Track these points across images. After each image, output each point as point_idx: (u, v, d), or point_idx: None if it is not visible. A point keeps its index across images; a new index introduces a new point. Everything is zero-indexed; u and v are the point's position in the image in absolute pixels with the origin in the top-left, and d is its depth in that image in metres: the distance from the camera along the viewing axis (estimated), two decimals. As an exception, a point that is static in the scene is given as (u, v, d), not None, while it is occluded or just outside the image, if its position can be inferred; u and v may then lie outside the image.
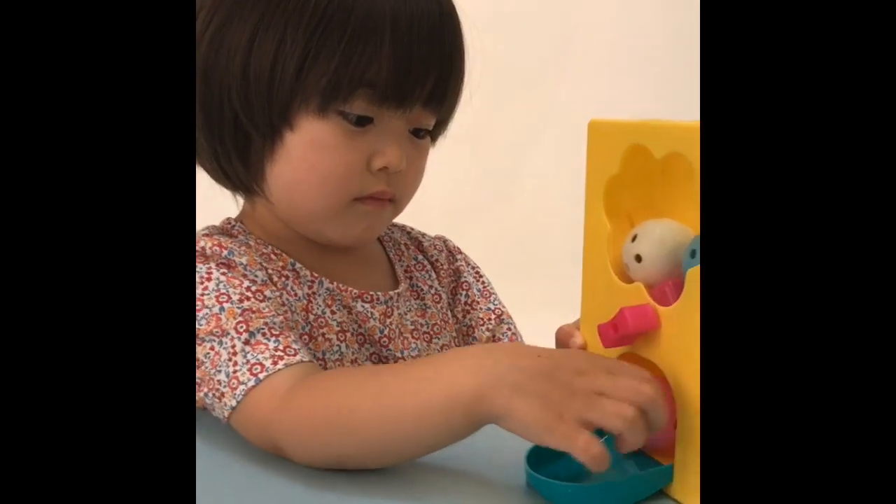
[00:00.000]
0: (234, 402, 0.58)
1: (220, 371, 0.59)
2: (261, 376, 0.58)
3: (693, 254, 0.54)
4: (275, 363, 0.58)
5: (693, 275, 0.52)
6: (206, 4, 0.66)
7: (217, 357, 0.60)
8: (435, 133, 0.73)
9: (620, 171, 0.60)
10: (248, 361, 0.59)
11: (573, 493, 0.51)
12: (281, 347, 0.60)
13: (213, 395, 0.60)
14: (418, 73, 0.65)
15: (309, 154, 0.66)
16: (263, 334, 0.60)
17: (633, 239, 0.58)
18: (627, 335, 0.55)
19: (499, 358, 0.52)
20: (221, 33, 0.65)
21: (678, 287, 0.54)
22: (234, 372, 0.59)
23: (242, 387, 0.58)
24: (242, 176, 0.69)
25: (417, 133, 0.70)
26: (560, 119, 1.93)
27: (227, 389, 0.59)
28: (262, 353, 0.59)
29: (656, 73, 1.88)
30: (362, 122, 0.66)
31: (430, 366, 0.55)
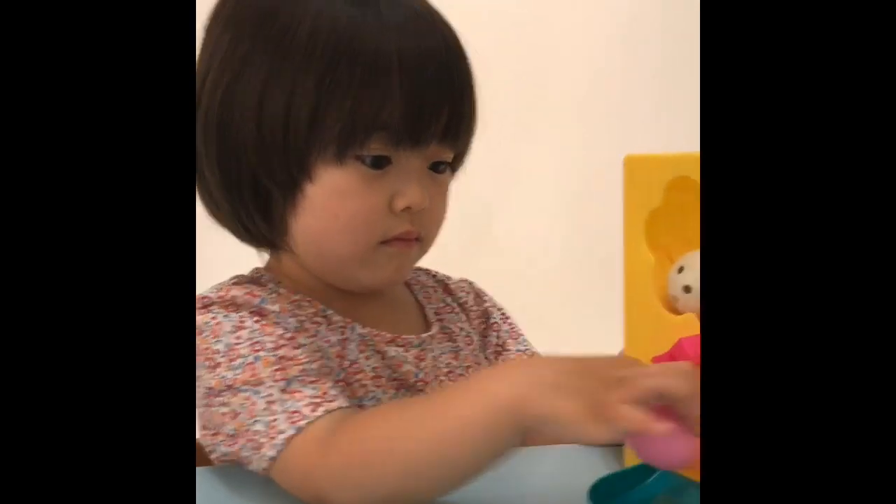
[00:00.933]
0: (273, 453, 0.57)
1: (257, 421, 0.58)
2: (301, 424, 0.57)
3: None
4: (314, 410, 0.58)
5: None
6: (215, 61, 0.66)
7: (254, 407, 0.59)
8: (454, 165, 0.73)
9: (662, 203, 0.61)
10: (286, 410, 0.58)
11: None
12: (319, 394, 0.59)
13: (251, 446, 0.59)
14: (431, 110, 0.65)
15: (331, 202, 0.66)
16: (301, 381, 0.60)
17: (680, 270, 0.59)
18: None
19: (535, 364, 0.54)
20: (232, 90, 0.65)
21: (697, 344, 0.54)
22: (273, 421, 0.58)
23: (282, 436, 0.57)
24: (266, 232, 0.68)
25: (437, 167, 0.70)
26: (537, 160, 1.95)
27: (265, 440, 0.58)
28: (301, 400, 0.58)
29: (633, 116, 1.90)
30: (380, 163, 0.66)
31: (466, 385, 0.56)
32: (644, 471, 0.60)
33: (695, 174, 0.57)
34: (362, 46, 0.63)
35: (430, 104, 0.65)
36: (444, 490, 0.56)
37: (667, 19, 1.90)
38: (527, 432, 0.52)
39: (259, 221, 0.67)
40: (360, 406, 0.67)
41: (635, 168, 0.63)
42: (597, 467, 0.64)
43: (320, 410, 0.58)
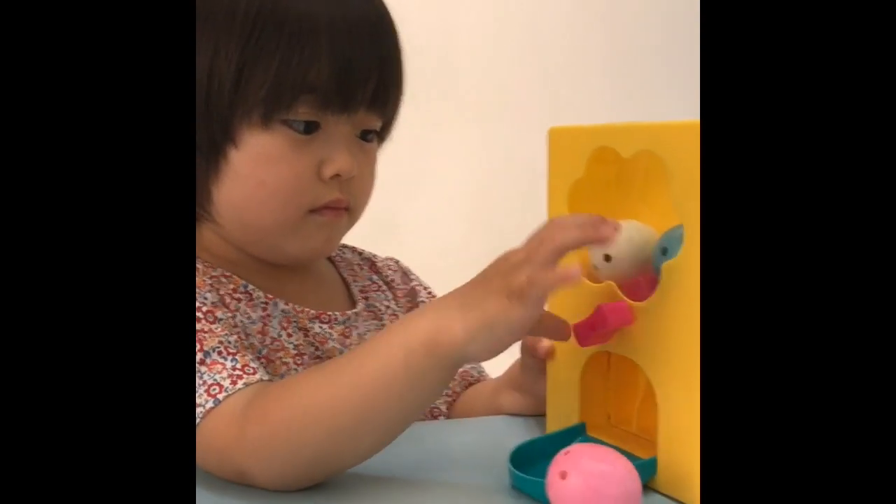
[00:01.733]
0: None
1: None
2: (220, 397, 0.55)
3: (664, 251, 0.55)
4: (234, 383, 0.55)
5: (668, 269, 0.53)
6: None
7: None
8: (381, 135, 0.71)
9: (585, 174, 0.61)
10: (204, 382, 0.55)
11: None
12: (239, 366, 0.57)
13: None
14: (360, 74, 0.64)
15: (256, 169, 0.63)
16: (219, 353, 0.57)
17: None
18: (606, 332, 0.56)
19: (438, 300, 0.54)
20: None
21: (653, 283, 0.55)
22: None
23: (200, 409, 0.54)
24: None
25: (365, 136, 0.68)
26: (441, 154, 1.94)
27: None
28: (220, 372, 0.56)
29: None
30: (309, 128, 0.64)
31: (378, 335, 0.55)
32: (567, 436, 0.61)
33: (619, 144, 0.58)
34: (289, 9, 0.62)
35: (358, 68, 0.63)
36: (371, 447, 0.54)
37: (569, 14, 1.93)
38: (454, 364, 0.52)
39: None
40: None
41: (559, 139, 0.64)
42: (521, 435, 0.65)
43: (240, 383, 0.55)
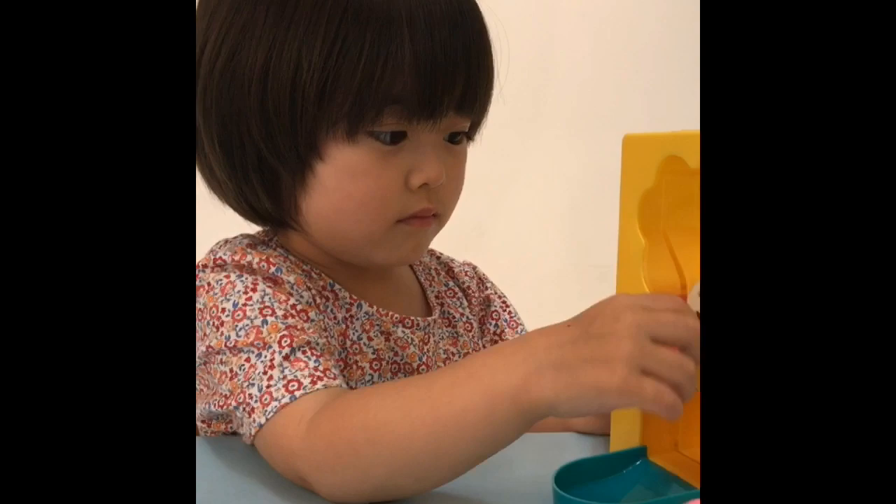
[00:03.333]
0: (263, 420, 0.55)
1: (252, 384, 0.56)
2: (297, 394, 0.55)
3: None
4: (314, 383, 0.55)
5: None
6: (213, 31, 0.63)
7: (252, 370, 0.57)
8: (471, 133, 0.69)
9: (655, 184, 0.59)
10: (284, 377, 0.56)
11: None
12: (321, 368, 0.57)
13: (243, 409, 0.56)
14: (445, 79, 0.62)
15: (343, 182, 0.63)
16: (304, 352, 0.57)
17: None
18: None
19: (532, 344, 0.49)
20: (233, 63, 0.62)
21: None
22: (269, 387, 0.56)
23: (275, 403, 0.55)
24: (274, 212, 0.66)
25: (453, 138, 0.67)
26: (531, 165, 1.90)
27: (257, 405, 0.55)
28: (302, 370, 0.56)
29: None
30: (396, 138, 0.63)
31: (462, 369, 0.51)
32: (622, 459, 0.59)
33: (685, 153, 0.55)
34: (371, 11, 0.60)
35: (443, 73, 0.61)
36: (433, 483, 0.53)
37: (669, 22, 1.86)
38: (534, 419, 0.49)
39: (266, 202, 0.65)
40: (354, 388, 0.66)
41: (632, 147, 0.62)
42: (583, 454, 0.63)
43: (320, 385, 0.55)
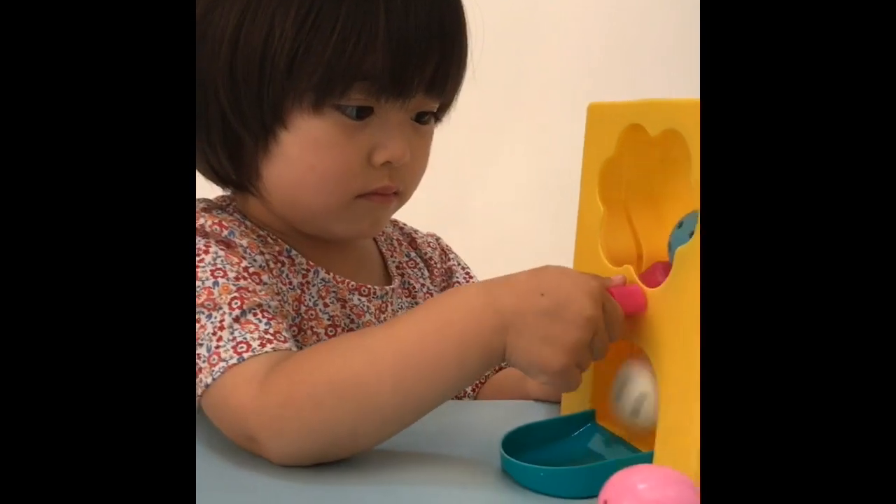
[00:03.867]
0: (209, 380, 0.54)
1: (201, 345, 0.55)
2: (245, 355, 0.54)
3: (691, 234, 0.52)
4: (262, 345, 0.55)
5: (681, 254, 0.51)
6: None
7: (202, 331, 0.56)
8: (439, 114, 0.69)
9: (616, 153, 0.59)
10: (234, 339, 0.55)
11: (545, 476, 0.50)
12: (272, 331, 0.56)
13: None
14: (418, 59, 0.61)
15: (306, 153, 0.62)
16: (255, 314, 0.57)
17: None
18: None
19: (499, 297, 0.53)
20: (205, 22, 0.61)
21: (668, 269, 0.53)
22: (217, 348, 0.55)
23: (222, 364, 0.54)
24: (234, 174, 0.65)
25: (420, 118, 0.66)
26: (511, 145, 1.92)
27: (205, 365, 0.54)
28: (252, 332, 0.55)
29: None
30: (362, 113, 0.62)
31: (428, 319, 0.54)
32: (567, 423, 0.59)
33: (647, 121, 0.56)
34: None
35: (416, 53, 0.60)
36: (394, 430, 0.54)
37: (663, 18, 1.88)
38: (496, 364, 0.53)
39: (227, 165, 0.65)
40: None
41: (596, 116, 0.62)
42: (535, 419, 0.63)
43: (269, 347, 0.55)
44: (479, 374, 0.54)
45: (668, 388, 0.51)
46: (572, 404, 0.62)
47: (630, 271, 0.56)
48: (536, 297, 0.52)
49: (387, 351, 0.52)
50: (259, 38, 0.59)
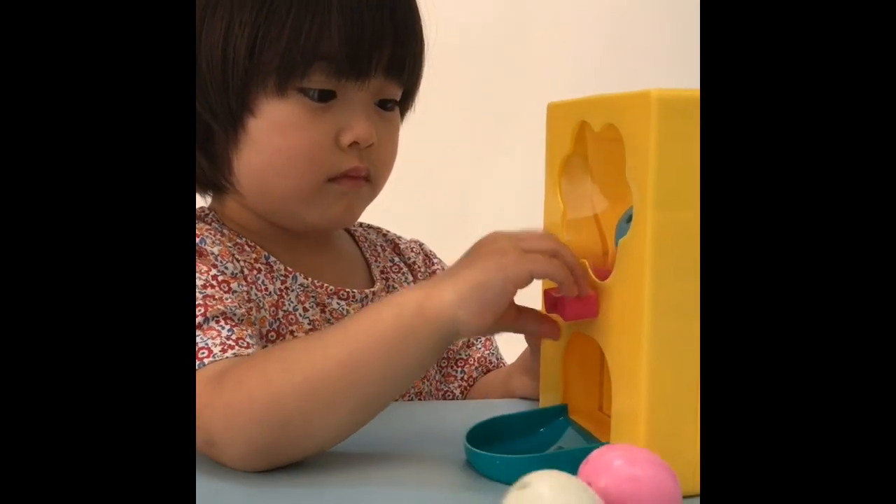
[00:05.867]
0: None
1: None
2: (205, 361, 0.56)
3: (629, 219, 0.54)
4: (223, 351, 0.56)
5: (624, 244, 0.52)
6: None
7: None
8: (403, 105, 0.73)
9: (574, 150, 0.61)
10: (195, 345, 0.57)
11: (501, 463, 0.52)
12: (234, 337, 0.58)
13: None
14: (373, 40, 0.65)
15: (273, 137, 0.66)
16: (218, 322, 0.59)
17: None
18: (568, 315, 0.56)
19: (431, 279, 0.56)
20: None
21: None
22: None
23: None
24: (209, 172, 0.69)
25: (385, 105, 0.70)
26: (512, 149, 1.92)
27: None
28: (213, 338, 0.57)
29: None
30: (324, 96, 0.66)
31: (366, 307, 0.57)
32: (537, 417, 0.61)
33: (591, 118, 0.57)
34: None
35: (370, 34, 0.65)
36: (347, 419, 0.54)
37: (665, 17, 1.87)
38: (444, 330, 0.53)
39: (201, 160, 0.68)
40: None
41: (555, 114, 0.64)
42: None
43: (230, 353, 0.56)
44: (424, 340, 0.53)
45: (618, 377, 0.53)
46: (548, 399, 0.64)
47: (585, 266, 0.57)
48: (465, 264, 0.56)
49: (328, 334, 0.55)
50: (220, 29, 0.65)
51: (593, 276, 0.56)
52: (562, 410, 0.62)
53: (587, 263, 0.58)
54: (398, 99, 0.71)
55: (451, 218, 1.77)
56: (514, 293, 0.54)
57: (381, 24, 0.65)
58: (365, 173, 0.69)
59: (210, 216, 0.72)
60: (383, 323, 0.53)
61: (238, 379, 0.54)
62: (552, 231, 0.63)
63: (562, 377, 0.62)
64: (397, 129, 0.72)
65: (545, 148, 0.65)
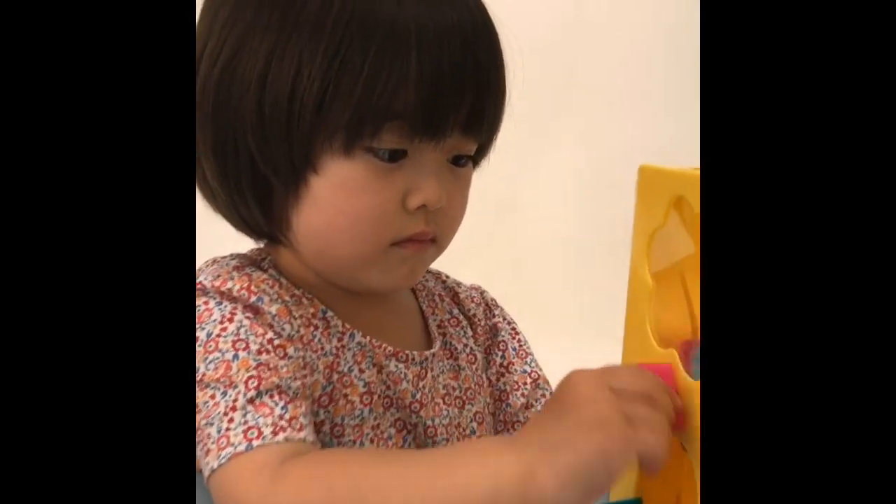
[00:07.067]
0: (215, 464, 0.53)
1: (212, 424, 0.54)
2: (254, 443, 0.53)
3: None
4: (275, 433, 0.53)
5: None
6: (214, 32, 0.62)
7: (215, 408, 0.55)
8: (477, 158, 0.68)
9: (667, 222, 0.56)
10: (245, 422, 0.54)
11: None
12: (287, 417, 0.55)
13: (202, 447, 0.55)
14: (453, 98, 0.60)
15: (337, 198, 0.61)
16: (272, 397, 0.56)
17: None
18: None
19: (525, 434, 0.50)
20: (233, 65, 0.61)
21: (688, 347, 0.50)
22: (227, 430, 0.54)
23: (230, 449, 0.52)
24: (265, 226, 0.65)
25: (457, 161, 0.65)
26: (560, 142, 1.90)
27: (213, 447, 0.53)
28: (266, 416, 0.54)
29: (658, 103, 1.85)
30: (395, 156, 0.61)
31: (465, 445, 0.53)
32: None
33: (690, 194, 0.53)
34: (378, 20, 0.58)
35: (451, 91, 0.60)
36: None
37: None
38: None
39: (257, 213, 0.64)
40: (341, 425, 0.64)
41: (647, 180, 0.60)
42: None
43: (281, 436, 0.53)
44: None
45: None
46: (619, 491, 0.59)
47: (674, 356, 0.53)
48: (539, 418, 0.51)
49: (418, 467, 0.50)
50: (287, 77, 0.59)
51: (683, 374, 0.52)
52: (636, 505, 0.57)
53: (676, 355, 0.53)
54: (472, 154, 0.66)
55: (501, 205, 1.77)
56: (618, 477, 0.48)
57: (462, 80, 0.60)
58: (431, 236, 0.64)
59: (266, 262, 0.67)
60: (476, 491, 0.48)
61: (297, 476, 0.51)
62: (638, 305, 0.58)
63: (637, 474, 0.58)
64: (468, 186, 0.67)
65: (634, 214, 0.60)
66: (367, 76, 0.58)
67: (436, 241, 0.66)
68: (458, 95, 0.60)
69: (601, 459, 0.46)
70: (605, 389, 0.48)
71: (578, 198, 1.94)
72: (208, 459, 0.53)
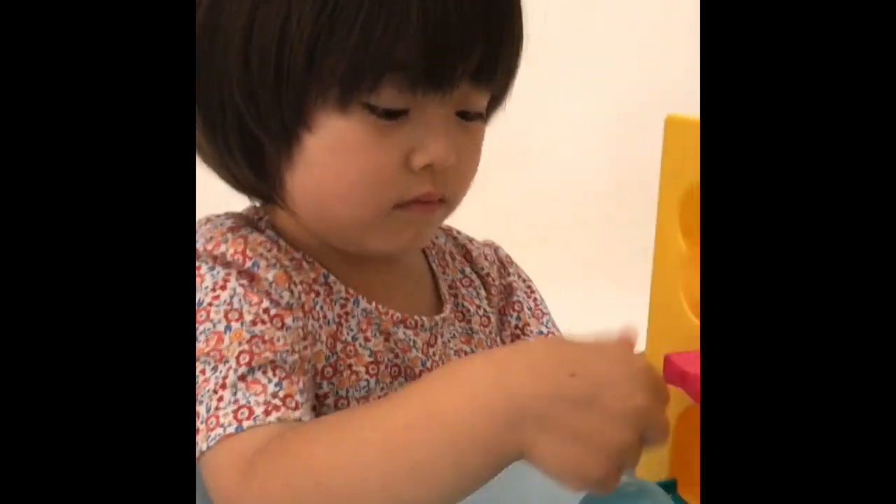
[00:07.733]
0: (204, 446, 0.50)
1: (201, 402, 0.51)
2: (244, 424, 0.50)
3: None
4: (267, 413, 0.50)
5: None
6: None
7: (205, 385, 0.51)
8: (489, 111, 0.62)
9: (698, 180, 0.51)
10: (236, 401, 0.51)
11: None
12: (282, 394, 0.51)
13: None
14: (459, 43, 0.54)
15: (333, 158, 0.56)
16: (265, 372, 0.52)
17: None
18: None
19: (515, 383, 0.42)
20: (216, 12, 0.56)
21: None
22: (217, 409, 0.50)
23: (219, 430, 0.50)
24: (258, 186, 0.61)
25: (466, 115, 0.59)
26: (572, 85, 1.93)
27: (202, 427, 0.50)
28: (258, 394, 0.51)
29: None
30: (395, 113, 0.56)
31: (419, 406, 0.44)
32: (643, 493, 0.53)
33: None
34: None
35: (457, 36, 0.54)
36: None
37: None
38: (507, 464, 0.43)
39: (249, 173, 0.60)
40: (346, 398, 0.59)
41: (676, 131, 0.55)
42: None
43: (274, 416, 0.50)
44: (485, 479, 0.43)
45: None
46: (650, 471, 0.56)
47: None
48: (565, 377, 0.42)
49: (373, 443, 0.45)
50: (275, 26, 0.54)
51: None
52: (670, 486, 0.54)
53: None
54: (485, 107, 0.60)
55: (512, 146, 1.75)
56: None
57: (470, 23, 0.54)
58: (439, 197, 0.59)
59: (263, 223, 0.62)
60: (438, 464, 0.43)
61: (264, 470, 0.47)
62: (668, 272, 0.54)
63: (672, 449, 0.54)
64: (480, 141, 0.61)
65: (661, 172, 0.55)
66: (363, 21, 0.52)
67: (445, 201, 0.60)
68: (466, 41, 0.54)
69: (571, 478, 0.42)
70: (644, 412, 0.42)
71: (592, 137, 1.93)
72: (198, 439, 0.50)
